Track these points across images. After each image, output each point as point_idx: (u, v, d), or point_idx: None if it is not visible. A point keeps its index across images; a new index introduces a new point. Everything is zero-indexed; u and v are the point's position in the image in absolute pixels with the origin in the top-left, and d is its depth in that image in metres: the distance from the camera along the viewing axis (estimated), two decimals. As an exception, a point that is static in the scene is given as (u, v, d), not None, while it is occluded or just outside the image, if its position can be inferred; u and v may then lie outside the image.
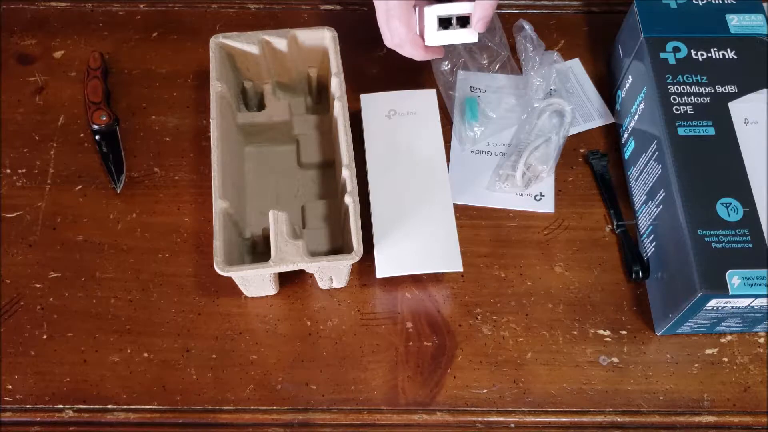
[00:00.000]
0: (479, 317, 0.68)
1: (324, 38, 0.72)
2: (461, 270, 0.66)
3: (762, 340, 0.68)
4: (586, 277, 0.70)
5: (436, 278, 0.70)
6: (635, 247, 0.71)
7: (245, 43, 0.71)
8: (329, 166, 0.74)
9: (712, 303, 0.61)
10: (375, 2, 0.68)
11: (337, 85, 0.69)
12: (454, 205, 0.69)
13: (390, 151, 0.71)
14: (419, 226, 0.67)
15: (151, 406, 0.65)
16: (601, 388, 0.66)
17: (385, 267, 0.66)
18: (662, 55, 0.70)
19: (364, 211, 0.66)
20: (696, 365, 0.67)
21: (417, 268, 0.66)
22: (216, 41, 0.71)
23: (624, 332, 0.68)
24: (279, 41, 0.71)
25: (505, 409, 0.65)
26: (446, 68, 0.79)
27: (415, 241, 0.67)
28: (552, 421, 0.65)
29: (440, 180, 0.69)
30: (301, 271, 0.67)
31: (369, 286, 0.69)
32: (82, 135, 0.76)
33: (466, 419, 0.65)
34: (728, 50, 0.70)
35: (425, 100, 0.73)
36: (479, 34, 0.67)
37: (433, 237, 0.67)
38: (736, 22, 0.71)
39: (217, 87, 0.68)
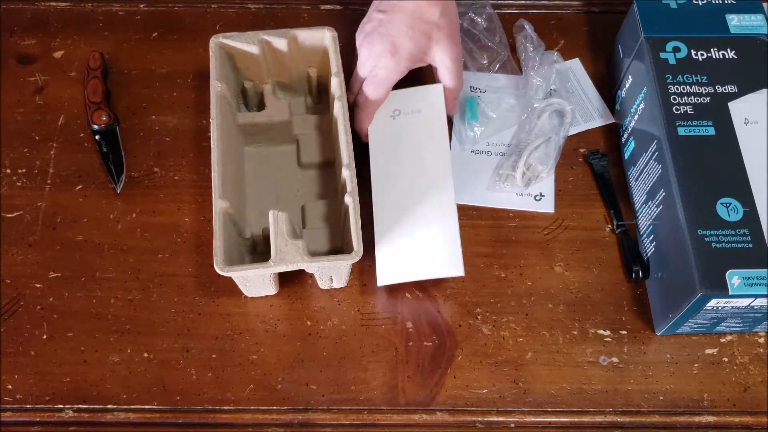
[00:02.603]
0: (479, 317, 0.69)
1: (324, 38, 0.72)
2: (463, 275, 0.65)
3: (762, 340, 0.68)
4: (586, 277, 0.70)
5: (436, 278, 0.70)
6: (635, 247, 0.71)
7: (245, 43, 0.71)
8: (329, 166, 0.74)
9: (712, 303, 0.61)
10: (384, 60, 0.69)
11: (337, 84, 0.69)
12: (454, 205, 0.69)
13: (394, 153, 0.70)
14: (421, 230, 0.66)
15: (151, 406, 0.65)
16: (601, 388, 0.66)
17: (385, 275, 0.66)
18: (662, 55, 0.70)
19: (365, 211, 0.66)
20: (696, 365, 0.67)
21: (418, 274, 0.66)
22: (216, 41, 0.71)
23: (624, 332, 0.68)
24: (279, 41, 0.71)
25: (505, 409, 0.65)
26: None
27: (417, 246, 0.66)
28: (552, 421, 0.65)
29: (444, 183, 0.68)
30: (301, 271, 0.67)
31: (369, 286, 0.69)
32: (82, 135, 0.76)
33: (466, 419, 0.65)
34: (728, 50, 0.70)
35: (431, 96, 0.71)
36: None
37: (436, 241, 0.66)
38: (736, 22, 0.71)
39: (217, 87, 0.68)
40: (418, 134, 0.70)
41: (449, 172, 0.68)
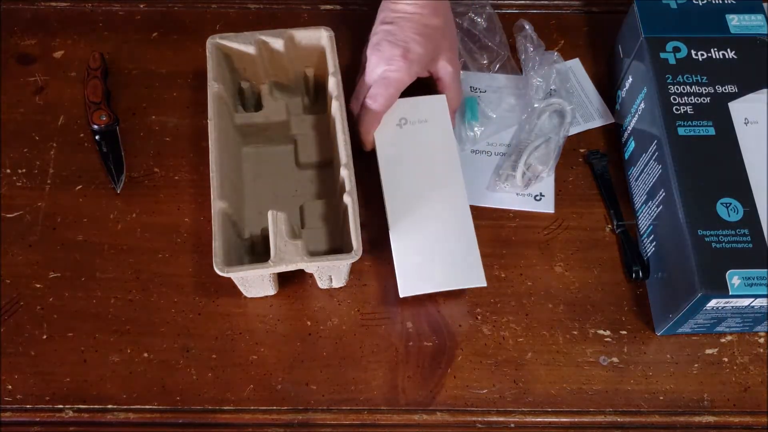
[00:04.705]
0: (479, 317, 0.68)
1: (321, 38, 0.72)
2: (485, 285, 0.65)
3: (762, 340, 0.68)
4: (586, 277, 0.70)
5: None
6: (635, 247, 0.71)
7: (242, 44, 0.71)
8: (327, 165, 0.74)
9: (712, 303, 0.61)
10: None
11: (334, 84, 0.69)
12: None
13: (404, 162, 0.69)
14: (439, 240, 0.66)
15: (151, 406, 0.65)
16: (601, 388, 0.66)
17: (407, 286, 0.65)
18: (662, 55, 0.70)
19: (365, 210, 0.66)
20: (696, 365, 0.67)
21: (440, 285, 0.66)
22: (212, 42, 0.71)
23: (624, 332, 0.68)
24: (275, 41, 0.71)
25: (505, 409, 0.65)
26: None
27: (437, 257, 0.66)
28: (552, 421, 0.65)
29: (457, 192, 0.68)
30: (301, 271, 0.67)
31: (369, 286, 0.69)
32: (82, 135, 0.76)
33: (466, 419, 0.65)
34: (728, 50, 0.70)
35: (437, 105, 0.72)
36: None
37: (455, 252, 0.66)
38: (736, 22, 0.71)
39: (214, 88, 0.68)
40: (428, 143, 0.70)
41: (461, 181, 0.69)
